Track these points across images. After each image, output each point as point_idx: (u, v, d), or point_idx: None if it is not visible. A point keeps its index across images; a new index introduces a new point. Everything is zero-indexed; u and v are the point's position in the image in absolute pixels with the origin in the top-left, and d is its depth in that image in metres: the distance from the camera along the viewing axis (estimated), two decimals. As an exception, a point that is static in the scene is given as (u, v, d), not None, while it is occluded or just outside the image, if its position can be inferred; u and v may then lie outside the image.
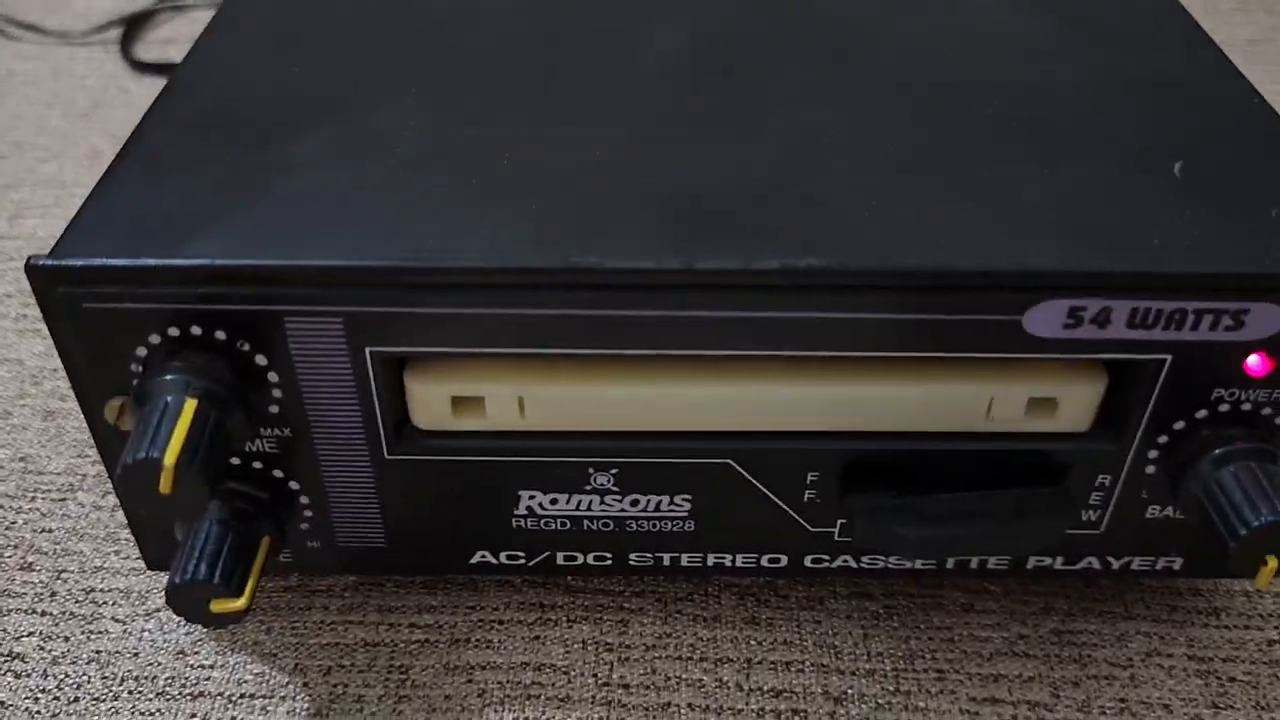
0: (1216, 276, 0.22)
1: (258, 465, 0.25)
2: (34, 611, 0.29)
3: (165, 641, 0.28)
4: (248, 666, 0.27)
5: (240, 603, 0.24)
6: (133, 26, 0.54)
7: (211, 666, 0.27)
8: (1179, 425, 0.24)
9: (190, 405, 0.22)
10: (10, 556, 0.30)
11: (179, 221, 0.23)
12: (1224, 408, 0.24)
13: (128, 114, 0.48)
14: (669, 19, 0.30)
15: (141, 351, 0.23)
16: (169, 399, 0.22)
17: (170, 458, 0.21)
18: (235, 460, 0.25)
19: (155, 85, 0.50)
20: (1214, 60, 0.29)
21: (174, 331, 0.22)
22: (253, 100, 0.26)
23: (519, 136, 0.25)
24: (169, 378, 0.22)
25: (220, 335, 0.22)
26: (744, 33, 0.29)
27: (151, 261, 0.22)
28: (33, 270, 0.22)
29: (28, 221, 0.42)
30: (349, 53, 0.28)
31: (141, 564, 0.30)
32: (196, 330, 0.22)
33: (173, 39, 0.54)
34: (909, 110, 0.26)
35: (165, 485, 0.21)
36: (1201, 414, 0.24)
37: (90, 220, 0.23)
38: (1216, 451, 0.24)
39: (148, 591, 0.29)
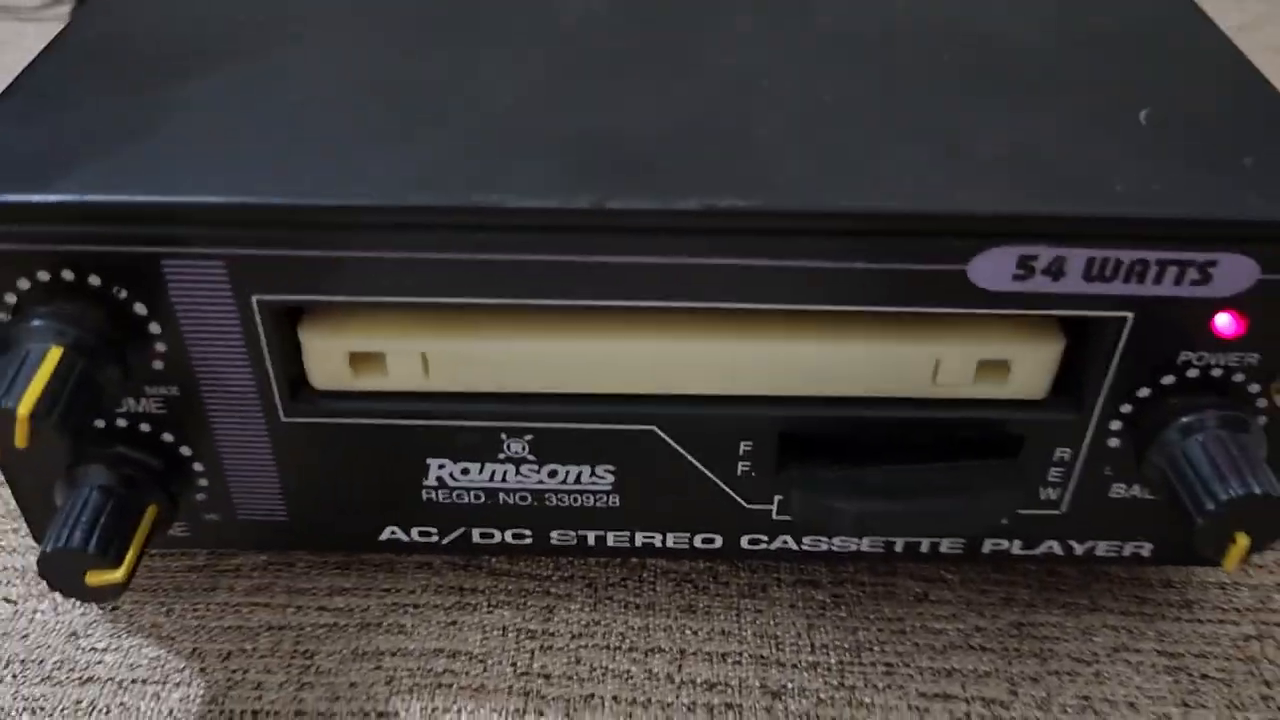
0: (1181, 223, 0.20)
1: (145, 427, 0.23)
2: (-82, 589, 0.27)
3: (58, 623, 0.26)
4: (143, 650, 0.25)
5: (118, 575, 0.22)
6: (82, 2, 0.52)
7: (104, 650, 0.25)
8: (1144, 393, 0.22)
9: (54, 354, 0.20)
10: (-100, 532, 0.28)
11: (53, 157, 0.21)
12: (1192, 373, 0.22)
13: (75, 89, 0.47)
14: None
15: (10, 298, 0.21)
16: (31, 347, 0.20)
17: (24, 408, 0.19)
18: (121, 422, 0.23)
19: (106, 61, 0.49)
20: (1187, 8, 0.27)
21: (43, 276, 0.20)
22: (151, 39, 0.25)
23: (428, 79, 0.23)
24: (35, 324, 0.20)
25: (94, 280, 0.21)
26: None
27: (15, 198, 0.20)
28: (-114, 204, 0.20)
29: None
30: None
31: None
32: (68, 275, 0.20)
33: (129, 16, 0.53)
34: (857, 57, 0.24)
35: (20, 438, 0.19)
36: (1168, 380, 0.22)
37: (-46, 157, 0.21)
38: (1184, 420, 0.22)
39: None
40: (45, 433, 0.19)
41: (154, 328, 0.21)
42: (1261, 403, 0.22)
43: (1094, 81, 0.24)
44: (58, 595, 0.26)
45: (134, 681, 0.25)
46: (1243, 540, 0.21)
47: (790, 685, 0.25)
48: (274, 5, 0.26)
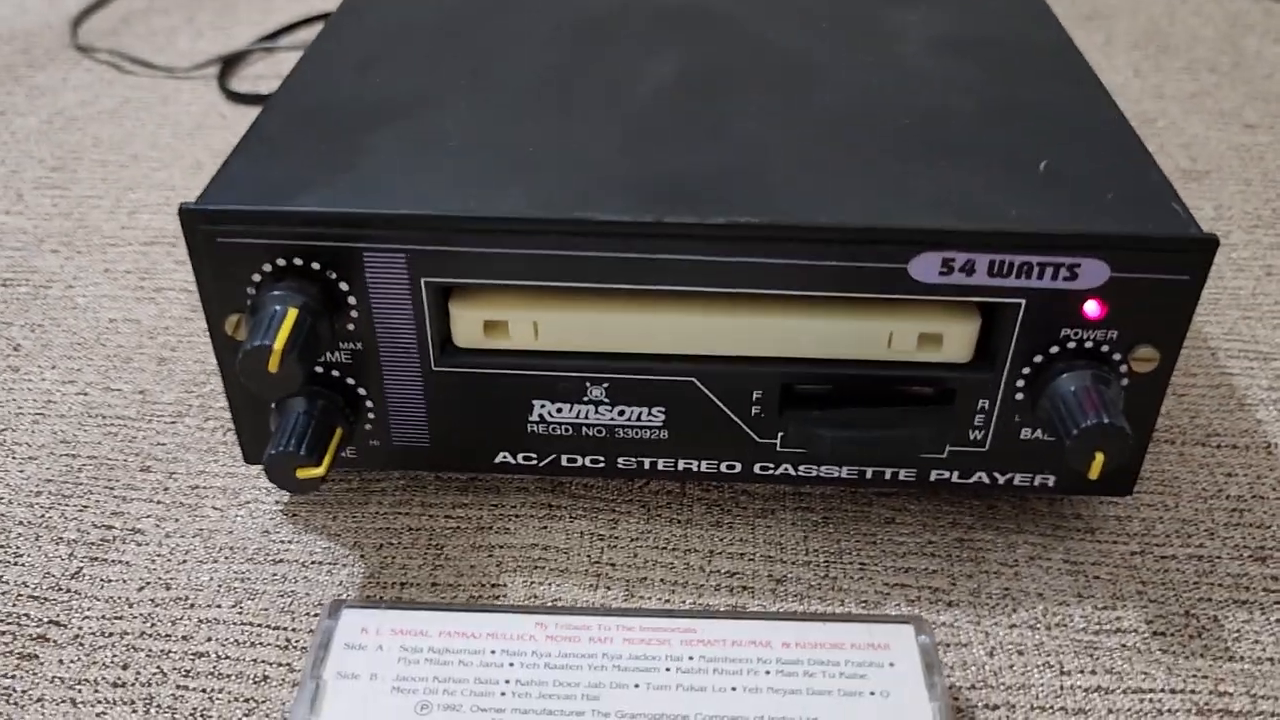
0: (1054, 235, 0.29)
1: (335, 373, 0.33)
2: (151, 500, 0.36)
3: (254, 524, 0.36)
4: (317, 543, 0.35)
5: (319, 470, 0.31)
6: (228, 64, 0.63)
7: (290, 542, 0.35)
8: (1038, 359, 0.31)
9: (293, 312, 0.30)
10: (133, 462, 0.38)
11: (286, 183, 0.31)
12: (1071, 344, 0.31)
13: (225, 135, 0.57)
14: (662, 53, 0.38)
15: (256, 277, 0.31)
16: (277, 308, 0.30)
17: (279, 344, 0.29)
18: (319, 368, 0.32)
19: (247, 113, 0.59)
20: (1092, 89, 0.36)
21: (281, 262, 0.30)
22: (340, 103, 0.35)
23: (543, 132, 0.33)
24: (276, 293, 0.30)
25: (315, 265, 0.30)
26: (719, 66, 0.37)
27: (266, 208, 0.30)
28: (184, 212, 0.30)
29: (143, 217, 0.51)
30: (418, 66, 0.37)
31: (236, 469, 0.37)
32: (298, 261, 0.30)
33: (263, 75, 0.63)
34: (838, 125, 0.34)
35: (273, 365, 0.29)
36: (1054, 350, 0.31)
37: (222, 182, 0.31)
38: (1064, 376, 0.31)
39: (240, 489, 0.37)
40: (289, 363, 0.29)
41: (352, 299, 0.31)
42: (1123, 368, 0.31)
43: (1009, 141, 0.33)
44: (251, 505, 0.36)
45: (313, 563, 0.34)
46: (1100, 457, 0.30)
47: (789, 576, 0.34)
48: (425, 76, 0.36)
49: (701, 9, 0.41)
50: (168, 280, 0.47)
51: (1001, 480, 0.34)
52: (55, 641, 0.32)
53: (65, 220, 0.50)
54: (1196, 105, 0.60)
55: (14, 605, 0.33)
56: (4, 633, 0.32)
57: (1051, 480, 0.34)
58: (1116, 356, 0.31)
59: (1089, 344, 0.31)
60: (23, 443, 0.39)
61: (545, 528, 0.35)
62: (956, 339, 0.31)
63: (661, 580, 0.34)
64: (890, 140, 0.33)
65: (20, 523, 0.35)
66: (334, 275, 0.31)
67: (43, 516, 0.36)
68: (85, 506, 0.36)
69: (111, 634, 0.32)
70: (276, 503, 0.36)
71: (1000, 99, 0.35)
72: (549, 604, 0.33)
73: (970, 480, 0.34)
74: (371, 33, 0.39)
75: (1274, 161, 0.55)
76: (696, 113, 0.34)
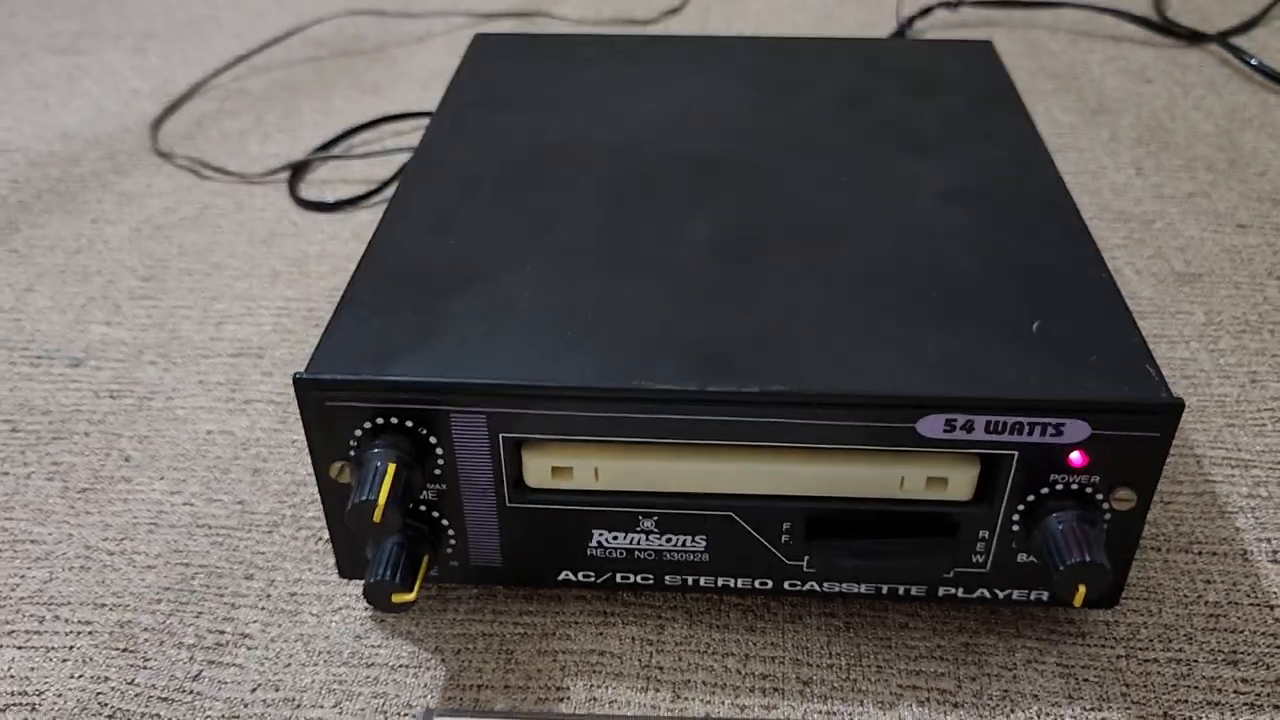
0: (1041, 401, 0.34)
1: (423, 509, 0.38)
2: (256, 607, 0.42)
3: (347, 629, 0.41)
4: (403, 647, 0.40)
5: (411, 596, 0.37)
6: (297, 170, 0.69)
7: (379, 646, 0.40)
8: (1031, 498, 0.36)
9: (392, 467, 0.35)
10: (238, 570, 0.43)
11: (382, 351, 0.36)
12: (1059, 487, 0.36)
13: (296, 242, 0.63)
14: (699, 209, 0.43)
15: (358, 432, 0.36)
16: (379, 463, 0.35)
17: (382, 499, 0.34)
18: (410, 505, 0.38)
19: (314, 219, 0.65)
20: (1084, 251, 0.41)
21: (380, 420, 0.36)
22: (421, 268, 0.40)
23: (597, 298, 0.38)
24: (378, 449, 0.35)
25: (409, 424, 0.36)
26: (749, 228, 0.42)
27: (367, 377, 0.35)
28: (297, 382, 0.35)
29: (229, 327, 0.56)
30: (482, 233, 0.42)
31: (328, 577, 0.43)
32: (394, 420, 0.36)
33: (327, 180, 0.69)
34: (857, 287, 0.39)
35: (377, 517, 0.34)
36: (1044, 491, 0.36)
37: (327, 349, 0.36)
38: (1054, 515, 0.36)
39: (333, 596, 0.42)
40: (390, 513, 0.34)
41: (439, 450, 0.36)
42: (1106, 506, 0.36)
43: (1007, 301, 0.38)
44: (344, 610, 0.41)
45: (400, 666, 0.40)
46: (1082, 589, 0.34)
47: (815, 678, 0.39)
48: (492, 237, 0.41)
49: (731, 163, 0.46)
50: (255, 392, 0.52)
51: (1001, 595, 0.39)
52: (185, 740, 0.37)
53: (160, 331, 0.56)
54: (1193, 206, 0.64)
55: (146, 706, 0.38)
56: (141, 732, 0.37)
57: (1045, 595, 0.39)
58: (1099, 497, 0.36)
59: (1075, 486, 0.36)
60: (141, 551, 0.44)
61: (601, 634, 0.40)
62: (959, 482, 0.36)
63: (703, 683, 0.39)
64: (902, 302, 0.38)
65: (146, 629, 0.41)
66: (424, 431, 0.36)
67: (164, 623, 0.41)
68: (200, 613, 0.41)
69: (232, 733, 0.37)
70: (365, 609, 0.42)
71: (1001, 256, 0.40)
72: (607, 704, 0.38)
73: (974, 596, 0.39)
74: (442, 190, 0.45)
75: (1262, 264, 0.59)
76: (733, 275, 0.39)
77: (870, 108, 0.51)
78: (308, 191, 0.68)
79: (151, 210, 0.66)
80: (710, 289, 0.39)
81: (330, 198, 0.67)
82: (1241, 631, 0.40)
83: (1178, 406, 0.34)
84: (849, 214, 0.43)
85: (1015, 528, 0.37)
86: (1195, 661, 0.39)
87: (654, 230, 0.42)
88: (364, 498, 0.34)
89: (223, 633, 0.41)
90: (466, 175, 0.46)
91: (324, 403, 0.36)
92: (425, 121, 0.74)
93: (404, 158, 0.70)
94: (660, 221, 0.42)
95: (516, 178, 0.45)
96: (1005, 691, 0.38)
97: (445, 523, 0.38)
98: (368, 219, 0.65)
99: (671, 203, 0.44)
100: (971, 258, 0.40)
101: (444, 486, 0.37)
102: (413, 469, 0.36)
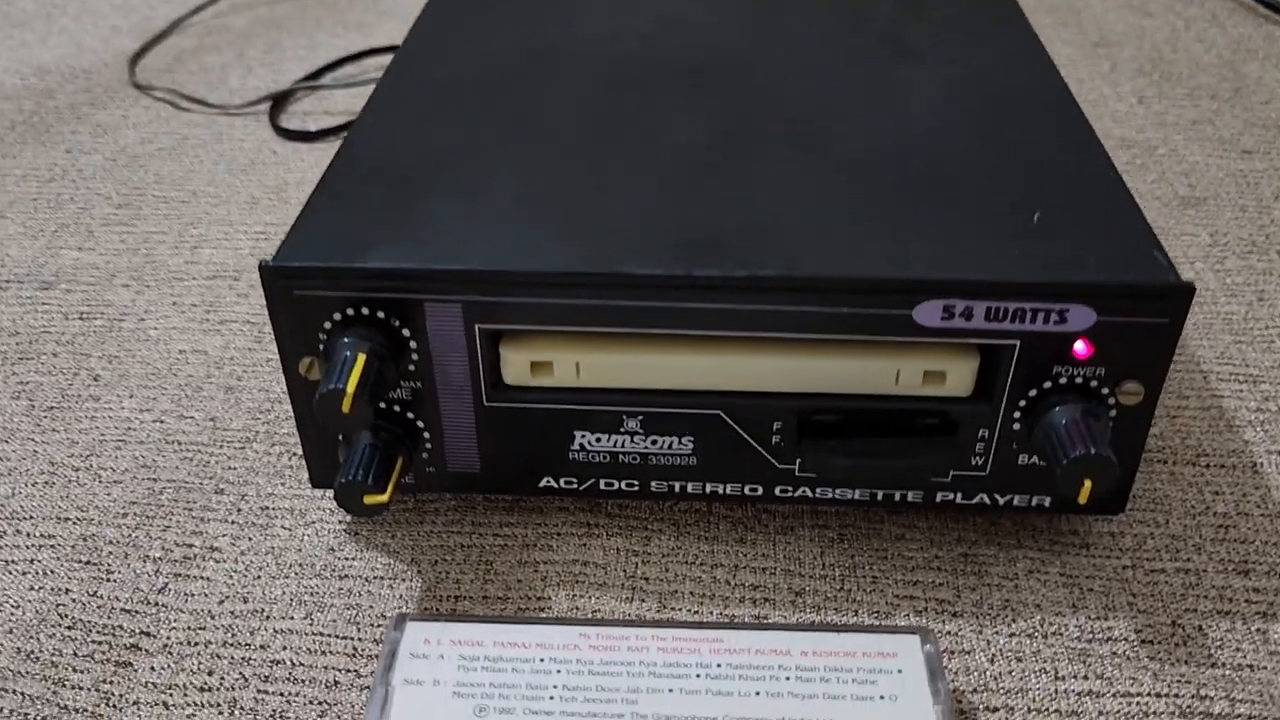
0: (1045, 284, 0.32)
1: (397, 408, 0.36)
2: (226, 521, 0.40)
3: (320, 542, 0.39)
4: (378, 559, 0.39)
5: (384, 497, 0.35)
6: (278, 102, 0.67)
7: (353, 559, 0.39)
8: (1032, 392, 0.34)
9: (362, 357, 0.33)
10: (208, 485, 0.42)
11: (353, 239, 0.34)
12: (1063, 380, 0.34)
13: (276, 170, 0.61)
14: (688, 106, 0.41)
15: (328, 324, 0.34)
16: (348, 354, 0.33)
17: (351, 388, 0.32)
18: (383, 404, 0.36)
19: (296, 148, 0.63)
20: (1086, 141, 0.39)
21: (350, 311, 0.34)
22: (398, 160, 0.38)
23: (581, 187, 0.36)
24: (347, 340, 0.34)
25: (380, 314, 0.34)
26: (739, 125, 0.40)
27: (338, 264, 0.33)
28: (264, 268, 0.33)
29: (205, 251, 0.55)
30: (464, 124, 0.40)
31: (302, 491, 0.41)
32: (365, 310, 0.34)
33: (310, 111, 0.67)
34: (849, 175, 0.37)
35: (346, 407, 0.32)
36: (1047, 384, 0.34)
37: (296, 238, 0.35)
38: (1056, 409, 0.34)
39: (306, 509, 0.40)
40: (359, 404, 0.33)
41: (413, 344, 0.35)
42: (1111, 400, 0.34)
43: (1007, 192, 0.36)
44: (317, 525, 0.40)
45: (375, 578, 0.38)
46: (1088, 484, 0.33)
47: (808, 589, 0.37)
48: (474, 132, 0.40)
49: (722, 63, 0.44)
50: (230, 313, 0.50)
51: (1001, 501, 0.37)
52: (147, 650, 0.35)
53: (134, 256, 0.54)
54: (1197, 133, 0.63)
55: (108, 617, 0.37)
56: (101, 643, 0.36)
57: (1048, 501, 0.37)
58: (1105, 391, 0.34)
59: (1079, 380, 0.34)
60: (108, 467, 0.42)
61: (585, 545, 0.39)
62: (958, 376, 0.34)
63: (691, 593, 0.37)
64: (899, 191, 0.36)
65: (110, 542, 0.39)
66: (397, 323, 0.34)
67: (130, 536, 0.39)
68: (167, 527, 0.40)
69: (197, 643, 0.36)
70: (340, 522, 0.40)
71: (1000, 150, 0.39)
72: (590, 615, 0.36)
73: (973, 501, 0.37)
74: (423, 89, 0.43)
75: (1269, 188, 0.58)
76: (720, 166, 0.38)
77: (867, 13, 0.49)
78: (289, 122, 0.66)
79: (128, 141, 0.64)
80: (699, 181, 0.37)
81: (312, 127, 0.65)
82: (1252, 542, 0.39)
83: (1188, 290, 0.32)
84: (844, 114, 0.41)
85: (1016, 426, 0.35)
86: (1204, 571, 0.38)
87: (641, 128, 0.40)
88: (332, 385, 0.32)
89: (190, 546, 0.39)
90: (447, 78, 0.44)
91: (292, 291, 0.34)
92: (410, 55, 0.72)
93: (388, 90, 0.68)
94: (648, 121, 0.41)
95: (500, 80, 0.43)
96: (1006, 601, 0.37)
97: (420, 424, 0.37)
98: (350, 149, 0.63)
99: (660, 104, 0.42)
100: (971, 151, 0.39)
101: (418, 384, 0.36)
102: (385, 361, 0.34)
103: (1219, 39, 0.74)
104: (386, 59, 0.73)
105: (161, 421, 0.44)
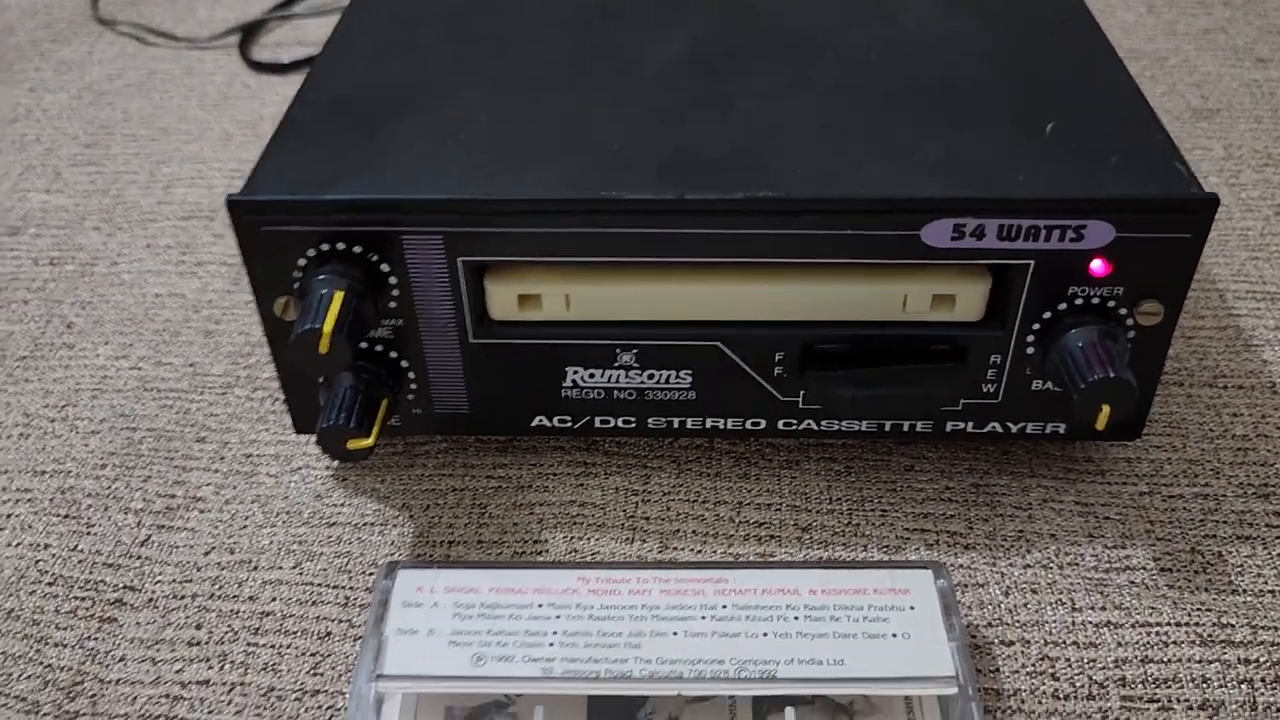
0: (1061, 200, 0.31)
1: (379, 348, 0.34)
2: (209, 470, 0.39)
3: (306, 488, 0.38)
4: (367, 505, 0.37)
5: (368, 441, 0.33)
6: (248, 33, 0.65)
7: (341, 505, 0.37)
8: (1047, 315, 0.33)
9: (339, 294, 0.31)
10: (189, 432, 0.40)
11: (325, 171, 0.32)
12: (1079, 301, 0.32)
13: (250, 104, 0.59)
14: (670, 30, 0.39)
15: (301, 262, 0.32)
16: (324, 291, 0.31)
17: (328, 327, 0.31)
18: (364, 344, 0.34)
19: (270, 81, 0.61)
20: (1099, 48, 0.37)
21: (325, 246, 0.32)
22: (368, 89, 0.36)
23: (563, 113, 0.34)
24: (323, 277, 0.32)
25: (357, 249, 0.32)
26: (727, 47, 0.38)
27: (308, 197, 0.31)
28: (231, 204, 0.31)
29: (178, 190, 0.52)
30: (435, 54, 0.38)
31: (286, 436, 0.40)
32: (341, 246, 0.32)
33: (282, 42, 0.64)
34: (849, 94, 0.35)
35: (324, 347, 0.31)
36: (1062, 306, 0.32)
37: (265, 172, 0.33)
38: (1072, 331, 0.32)
39: (291, 455, 0.39)
40: (337, 343, 0.31)
41: (393, 279, 0.33)
42: (1129, 321, 0.33)
43: (1016, 104, 0.34)
44: (303, 470, 0.38)
45: (365, 524, 0.36)
46: (1106, 409, 0.31)
47: (815, 524, 0.36)
48: (445, 59, 0.37)
49: (714, -25, 0.42)
50: (207, 254, 0.48)
51: (1014, 429, 0.36)
52: (131, 605, 0.34)
53: (103, 197, 0.52)
54: (1209, 42, 0.60)
55: (90, 572, 0.35)
56: (84, 598, 0.34)
57: (1062, 428, 0.35)
58: (1122, 311, 0.32)
59: (1095, 300, 0.32)
60: (84, 417, 0.41)
61: (582, 485, 0.37)
62: (968, 299, 0.33)
63: (693, 532, 0.36)
64: (900, 107, 0.34)
65: (89, 494, 0.38)
66: (375, 258, 0.32)
67: (109, 488, 0.38)
68: (148, 477, 0.38)
69: (183, 596, 0.34)
70: (327, 468, 0.38)
71: (1007, 62, 0.36)
72: (589, 558, 0.35)
73: (984, 430, 0.36)
74: (392, 19, 0.40)
75: (1285, 97, 0.55)
76: (709, 88, 0.35)
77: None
78: (261, 54, 0.63)
79: (94, 77, 0.62)
80: (687, 102, 0.35)
81: (285, 59, 0.62)
82: (1272, 465, 0.37)
83: (1211, 202, 0.30)
84: (839, 28, 0.39)
85: (1030, 350, 0.33)
86: (1223, 496, 0.36)
87: (622, 51, 0.38)
88: (308, 326, 0.31)
89: (173, 496, 0.38)
90: (414, 8, 0.41)
91: (262, 228, 0.32)
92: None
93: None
94: (628, 42, 0.38)
95: (470, 10, 0.41)
96: (1020, 532, 0.35)
97: (404, 364, 0.35)
98: (326, 80, 0.60)
99: (640, 24, 0.39)
100: (977, 64, 0.36)
101: (400, 322, 0.34)
102: (364, 299, 0.32)
103: (1228, -58, 0.71)
104: (362, -15, 0.70)
105: (139, 369, 0.43)
